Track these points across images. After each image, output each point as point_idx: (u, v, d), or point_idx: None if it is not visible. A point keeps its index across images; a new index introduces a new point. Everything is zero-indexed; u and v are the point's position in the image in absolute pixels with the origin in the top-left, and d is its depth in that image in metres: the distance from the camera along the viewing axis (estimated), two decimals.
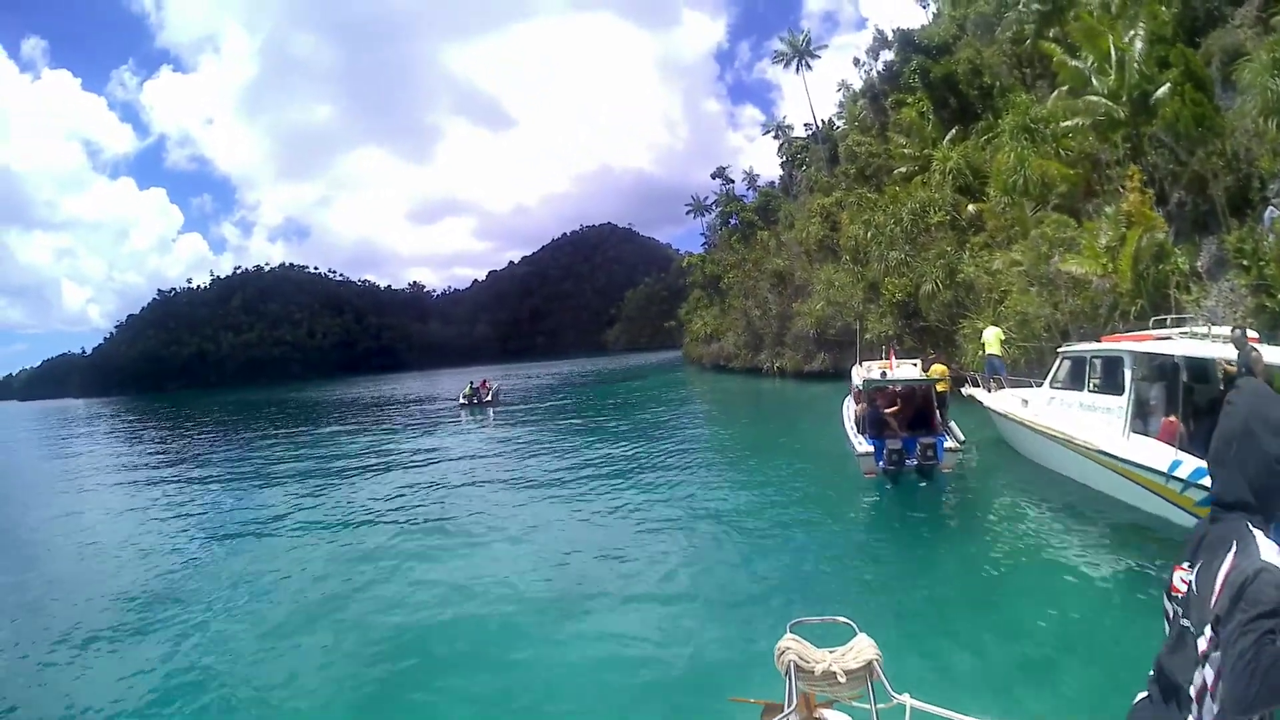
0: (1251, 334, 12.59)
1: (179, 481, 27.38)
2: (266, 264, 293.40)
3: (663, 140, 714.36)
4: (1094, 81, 25.22)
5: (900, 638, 8.86)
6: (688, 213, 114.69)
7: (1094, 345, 15.46)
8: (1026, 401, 17.54)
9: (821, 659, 3.60)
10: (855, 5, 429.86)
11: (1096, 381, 14.80)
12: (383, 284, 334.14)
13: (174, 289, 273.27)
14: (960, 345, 29.68)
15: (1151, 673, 2.57)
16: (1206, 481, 8.59)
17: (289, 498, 22.09)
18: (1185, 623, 2.36)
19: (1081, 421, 14.65)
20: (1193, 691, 2.28)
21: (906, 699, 3.28)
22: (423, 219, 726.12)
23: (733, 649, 9.10)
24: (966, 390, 21.84)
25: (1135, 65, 23.97)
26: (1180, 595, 2.44)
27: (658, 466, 22.10)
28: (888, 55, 58.56)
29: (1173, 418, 12.31)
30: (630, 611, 10.84)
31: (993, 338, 22.86)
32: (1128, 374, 13.42)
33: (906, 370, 19.45)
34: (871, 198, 45.37)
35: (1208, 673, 2.22)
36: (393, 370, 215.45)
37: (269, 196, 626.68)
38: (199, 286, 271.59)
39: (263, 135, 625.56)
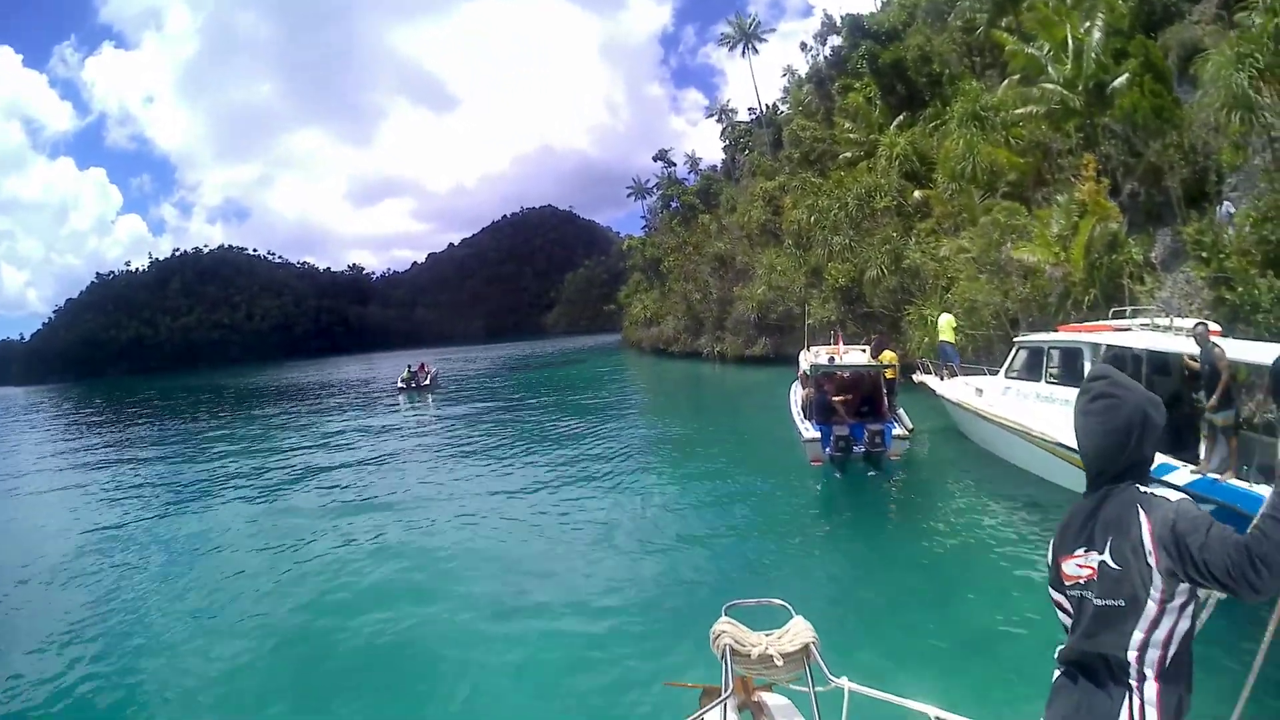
0: (1213, 327, 12.30)
1: (103, 475, 26.41)
2: (205, 246, 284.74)
3: (605, 123, 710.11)
4: (1050, 70, 24.85)
5: (839, 621, 9.08)
6: (628, 195, 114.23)
7: (1052, 336, 15.26)
8: (981, 391, 17.19)
9: (757, 642, 3.55)
10: None
11: (1054, 372, 14.57)
12: (322, 266, 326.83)
13: (112, 272, 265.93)
14: (906, 332, 29.35)
15: (1062, 662, 2.53)
16: (1171, 477, 9.58)
17: (221, 491, 21.43)
18: (1106, 601, 2.35)
19: (1038, 413, 14.28)
20: (1131, 657, 2.28)
21: (845, 682, 3.26)
22: (363, 200, 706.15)
23: (670, 635, 9.10)
24: (918, 377, 21.56)
25: (1092, 55, 23.62)
26: (1083, 580, 2.44)
27: (597, 453, 21.82)
28: (835, 41, 58.05)
29: None
30: (566, 601, 10.69)
31: (946, 324, 22.52)
32: (1087, 366, 12.93)
33: (855, 356, 19.31)
34: (816, 182, 45.01)
35: (1158, 634, 2.26)
36: (332, 353, 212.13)
37: (209, 177, 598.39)
38: (137, 269, 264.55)
39: (203, 114, 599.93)
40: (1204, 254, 17.64)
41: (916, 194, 34.48)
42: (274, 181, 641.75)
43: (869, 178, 37.07)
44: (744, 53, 76.08)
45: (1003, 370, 16.71)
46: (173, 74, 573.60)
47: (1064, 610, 2.57)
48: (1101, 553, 2.38)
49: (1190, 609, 2.28)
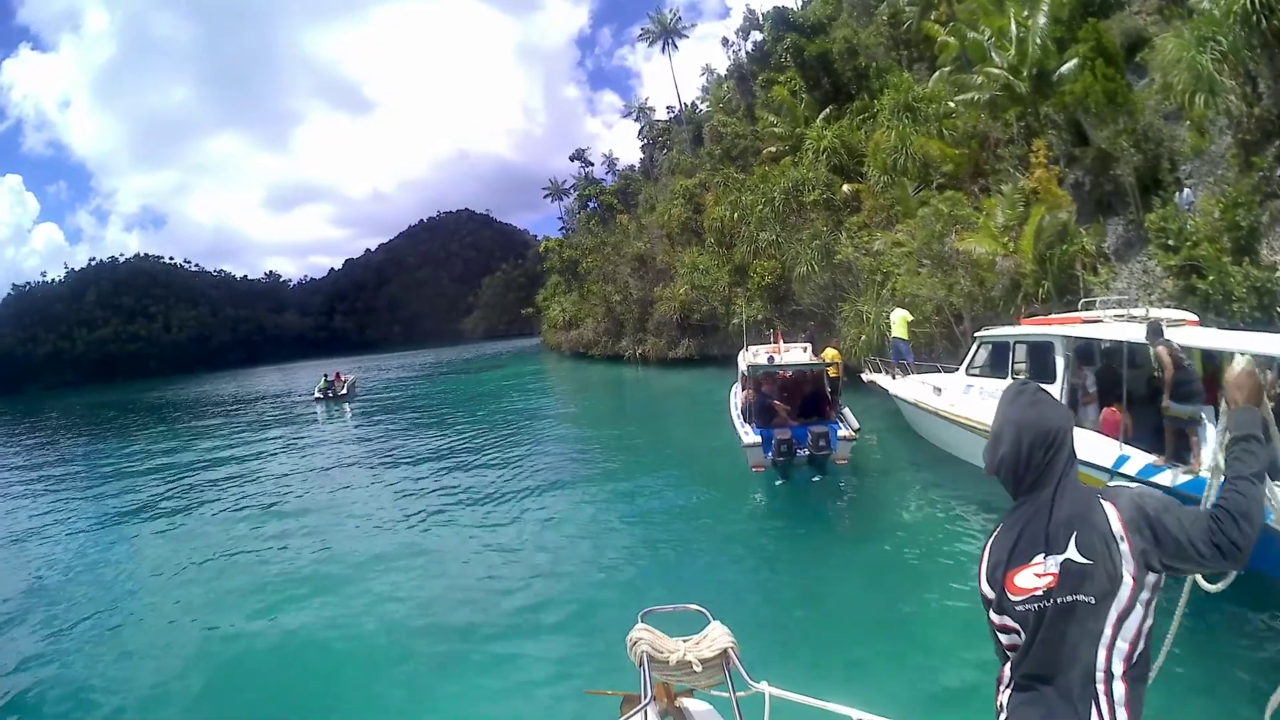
0: (1190, 316, 12.44)
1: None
2: (121, 255, 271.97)
3: (521, 126, 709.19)
4: (994, 55, 23.71)
5: (760, 627, 8.98)
6: (545, 197, 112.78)
7: (1018, 330, 14.30)
8: (940, 389, 16.02)
9: (675, 648, 3.62)
10: None
11: (1021, 368, 13.74)
12: (239, 274, 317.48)
13: (28, 283, 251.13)
14: (839, 329, 28.05)
15: (1018, 680, 2.38)
16: (1159, 479, 9.23)
17: (124, 514, 20.22)
18: (1074, 598, 2.26)
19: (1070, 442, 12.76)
20: (1101, 656, 2.23)
21: (765, 686, 3.35)
22: (280, 206, 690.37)
23: (591, 644, 9.05)
24: (868, 376, 20.60)
25: (1036, 40, 22.68)
26: (1042, 589, 2.31)
27: (517, 464, 20.97)
28: (758, 36, 57.01)
29: (1114, 408, 11.18)
30: (482, 615, 10.49)
31: (900, 320, 21.42)
32: (1059, 360, 12.27)
33: (795, 354, 18.35)
34: (739, 178, 43.79)
35: (1127, 628, 2.22)
36: (250, 364, 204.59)
37: (126, 183, 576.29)
38: (53, 280, 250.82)
39: (120, 119, 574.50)
40: (1170, 242, 16.60)
41: (846, 188, 33.36)
42: (191, 188, 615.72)
43: (796, 172, 35.67)
44: (664, 49, 75.42)
45: (963, 367, 15.59)
46: (90, 77, 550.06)
47: (1008, 632, 2.41)
48: (1063, 552, 2.29)
49: (1154, 604, 2.25)
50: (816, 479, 15.13)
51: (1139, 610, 2.22)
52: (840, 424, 15.54)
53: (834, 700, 3.09)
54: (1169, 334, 10.00)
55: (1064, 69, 21.86)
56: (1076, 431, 10.18)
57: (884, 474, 16.27)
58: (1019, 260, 19.80)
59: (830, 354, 18.22)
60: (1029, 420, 2.42)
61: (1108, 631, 2.22)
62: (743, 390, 17.78)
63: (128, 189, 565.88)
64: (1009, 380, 13.33)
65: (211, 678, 9.59)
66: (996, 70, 23.16)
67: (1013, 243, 20.45)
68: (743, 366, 18.26)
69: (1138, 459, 9.99)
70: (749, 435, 15.36)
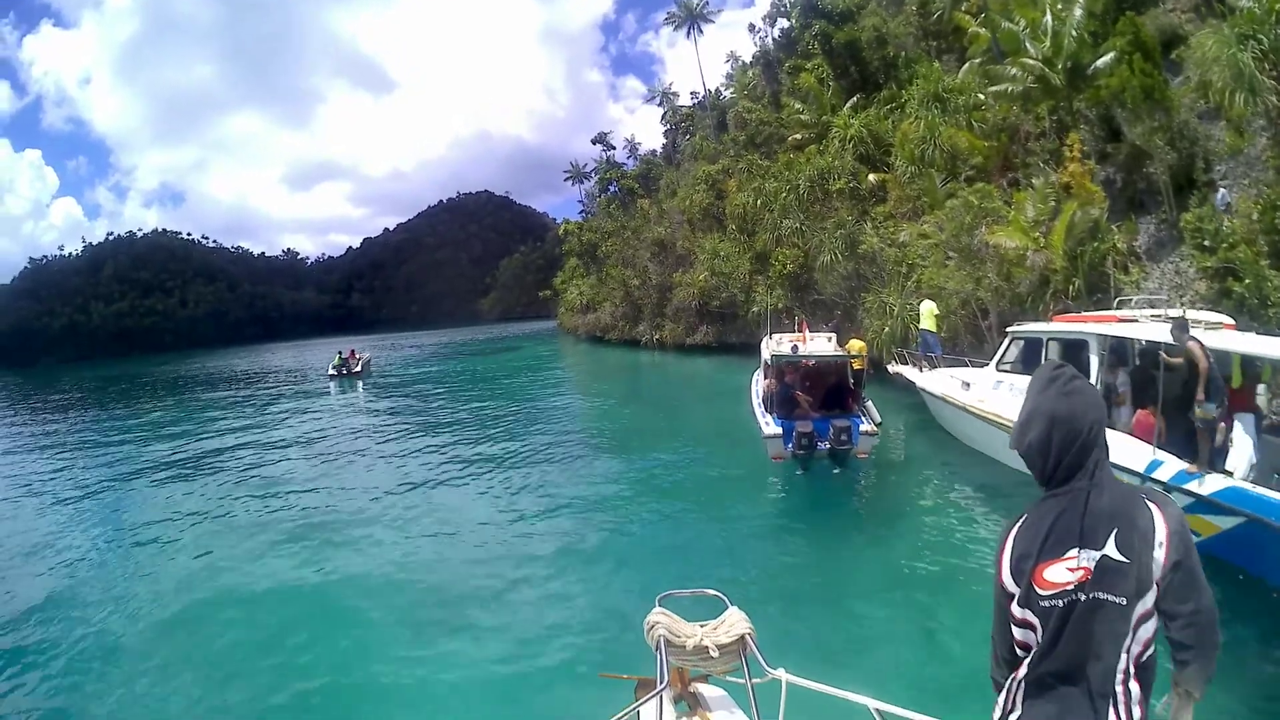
0: (1226, 319, 12.01)
1: (17, 475, 24.00)
2: (139, 230, 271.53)
3: (543, 109, 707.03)
4: (1028, 47, 23.34)
5: (777, 614, 9.03)
6: (566, 179, 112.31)
7: (1051, 326, 14.03)
8: (969, 384, 15.83)
9: (692, 633, 3.59)
10: None
11: None
12: (257, 251, 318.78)
13: (45, 257, 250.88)
14: (861, 320, 27.89)
15: (1035, 678, 2.35)
16: (1192, 486, 9.05)
17: (135, 487, 20.37)
18: (1106, 597, 2.24)
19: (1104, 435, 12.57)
20: (1123, 657, 2.24)
21: (782, 673, 3.31)
22: (299, 184, 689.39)
23: (607, 627, 9.12)
24: (894, 368, 20.61)
25: (1072, 33, 22.28)
26: (1073, 584, 2.28)
27: (532, 446, 21.02)
28: (785, 24, 56.40)
29: (1149, 411, 10.92)
30: (499, 596, 10.53)
31: (928, 312, 21.09)
32: (1094, 360, 12.07)
33: (820, 344, 18.11)
34: (763, 164, 43.25)
35: (1145, 630, 2.24)
36: (266, 340, 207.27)
37: (145, 160, 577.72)
38: (70, 254, 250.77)
39: (141, 95, 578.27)
40: (1206, 243, 16.31)
41: (871, 177, 32.99)
42: (210, 165, 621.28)
43: (822, 160, 35.36)
44: (689, 33, 74.50)
45: (993, 362, 15.45)
46: (111, 54, 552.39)
47: (1026, 627, 2.38)
48: (1101, 548, 2.26)
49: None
50: (837, 472, 15.09)
51: (1156, 617, 2.25)
52: (863, 418, 15.34)
53: (851, 689, 3.07)
54: (1195, 333, 9.76)
55: (1099, 63, 21.47)
56: (1110, 435, 10.21)
57: (907, 469, 16.12)
58: (1050, 256, 19.52)
59: (855, 345, 17.85)
60: (1061, 414, 2.38)
61: (1130, 633, 2.23)
62: (764, 379, 17.51)
63: (147, 165, 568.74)
64: None
65: (226, 641, 9.75)
66: (1032, 61, 22.76)
67: (1043, 238, 20.11)
68: (765, 355, 17.97)
69: (1171, 464, 9.74)
70: (770, 426, 15.21)
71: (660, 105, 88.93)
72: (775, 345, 18.21)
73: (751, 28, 69.11)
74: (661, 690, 3.26)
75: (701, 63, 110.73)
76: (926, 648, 8.22)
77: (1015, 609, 2.40)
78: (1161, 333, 10.47)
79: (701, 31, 74.78)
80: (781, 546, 12.07)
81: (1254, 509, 8.46)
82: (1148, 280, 18.76)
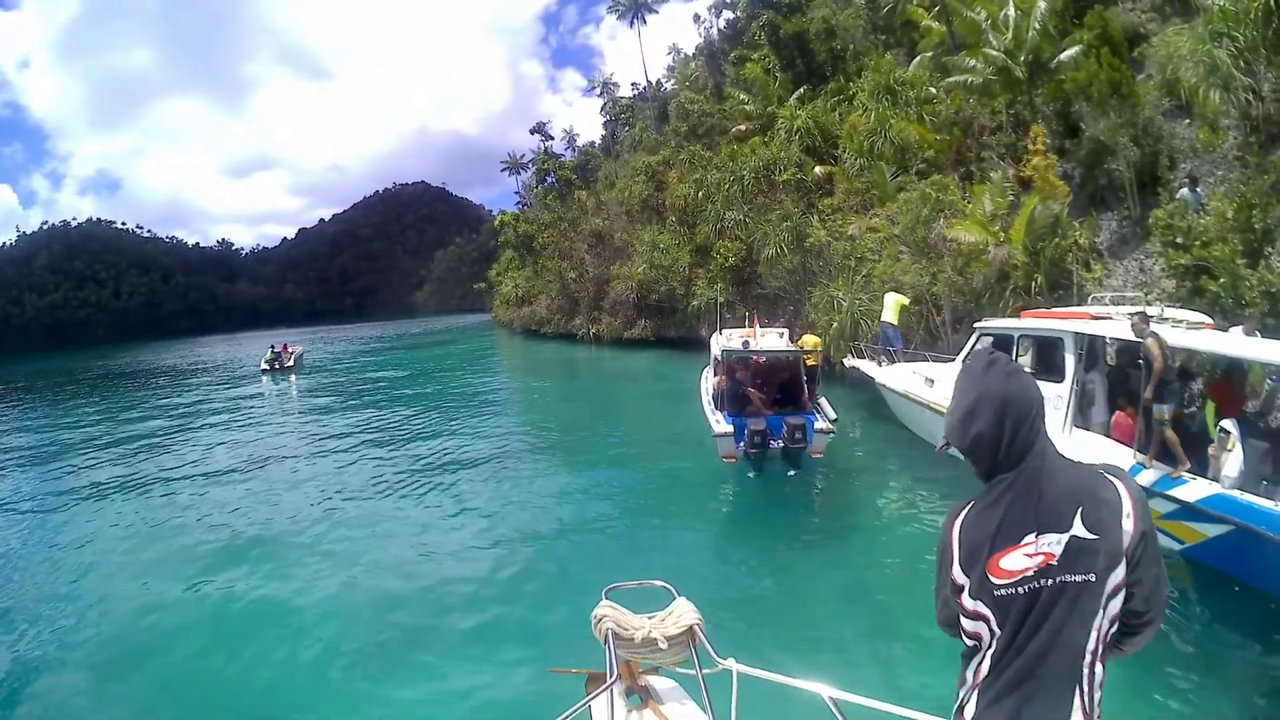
0: (1206, 319, 11.73)
1: None
2: (74, 219, 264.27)
3: (482, 101, 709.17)
4: (990, 38, 22.62)
5: (727, 606, 9.00)
6: (503, 170, 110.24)
7: (1022, 323, 13.36)
8: (933, 381, 15.03)
9: (640, 625, 3.58)
10: None
11: (1025, 365, 12.82)
12: (192, 241, 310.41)
13: None
14: (807, 314, 27.10)
15: (999, 670, 2.23)
16: (1178, 492, 8.86)
17: (51, 494, 19.30)
18: (1075, 578, 2.15)
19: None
20: (1092, 638, 2.16)
21: (732, 663, 3.25)
22: (236, 174, 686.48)
23: (554, 622, 9.02)
24: (850, 362, 19.83)
25: (1036, 26, 21.65)
26: (1034, 569, 2.18)
27: (469, 446, 20.20)
28: (730, 15, 55.75)
29: (1128, 412, 10.71)
30: (441, 596, 10.31)
31: (894, 304, 20.19)
32: (1069, 358, 11.53)
33: (772, 339, 17.49)
34: (705, 155, 42.44)
35: (1113, 607, 2.18)
36: (200, 333, 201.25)
37: (82, 147, 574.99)
38: (4, 244, 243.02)
39: (79, 80, 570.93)
40: (1178, 240, 15.63)
41: (818, 170, 32.29)
42: (147, 153, 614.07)
43: (767, 150, 34.58)
44: (632, 23, 73.18)
45: (959, 358, 14.61)
46: (51, 36, 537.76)
47: (978, 619, 2.27)
48: (1067, 529, 2.18)
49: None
50: (791, 473, 14.46)
51: (1124, 590, 2.18)
52: (817, 415, 14.79)
53: (803, 678, 3.01)
54: (1156, 329, 9.69)
55: (1064, 56, 20.95)
56: (1085, 436, 10.81)
57: (864, 467, 15.59)
58: (1010, 251, 18.79)
59: (809, 340, 17.30)
60: (1013, 393, 2.29)
61: (1100, 613, 2.16)
62: (714, 375, 16.77)
63: (84, 152, 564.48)
64: None
65: (149, 660, 9.22)
66: (994, 52, 22.05)
67: (1003, 233, 19.48)
68: (715, 350, 17.25)
69: (1153, 469, 9.37)
70: (720, 424, 14.52)
71: (600, 96, 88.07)
72: (726, 340, 17.49)
73: (696, 18, 69.02)
74: (612, 684, 3.28)
75: (644, 53, 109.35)
76: (882, 639, 8.10)
77: (966, 601, 2.30)
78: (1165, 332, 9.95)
79: (645, 21, 73.57)
80: (732, 542, 11.98)
81: (1241, 517, 8.24)
82: (1110, 277, 18.26)
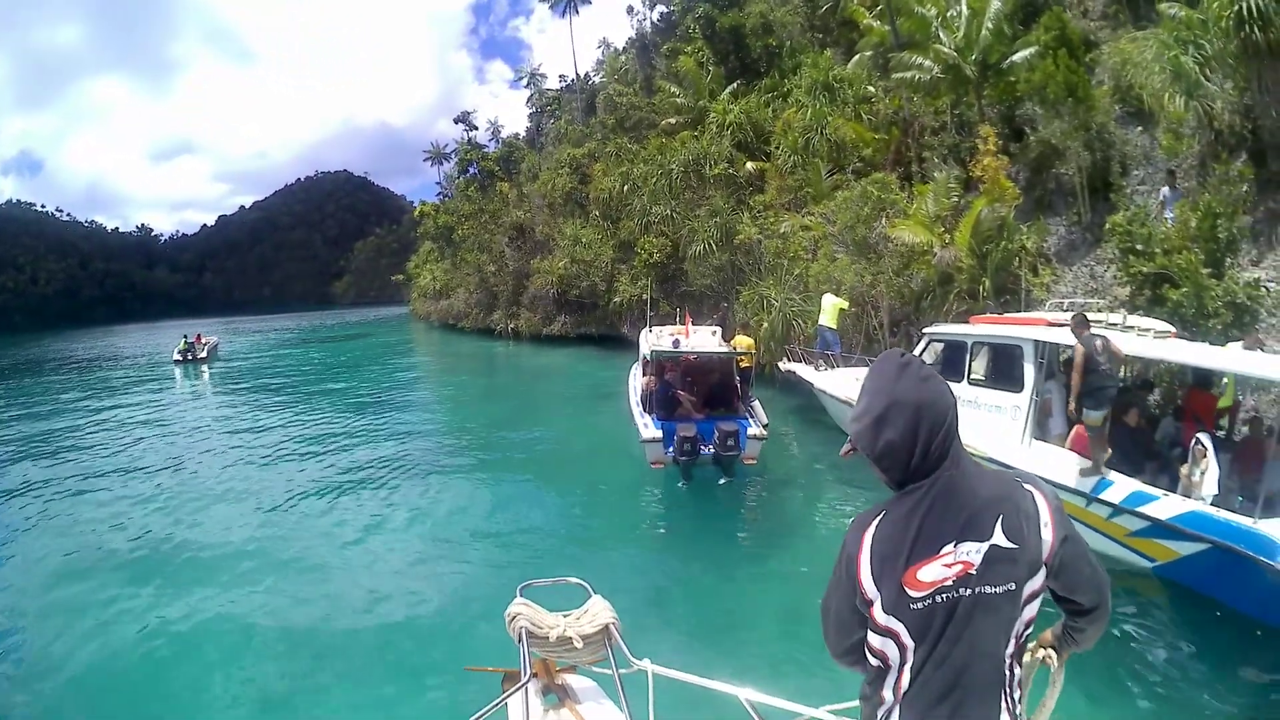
0: (1169, 328, 11.37)
1: None
2: None
3: (409, 90, 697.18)
4: (940, 35, 21.68)
5: (645, 606, 9.00)
6: (425, 160, 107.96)
7: (977, 329, 12.59)
8: None
9: (555, 624, 3.57)
10: None
11: (981, 373, 12.28)
12: (111, 226, 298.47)
13: None
14: (734, 313, 26.00)
15: (918, 682, 2.17)
16: (1148, 509, 8.71)
17: None
18: (995, 589, 2.11)
19: (960, 421, 10.69)
20: (1011, 646, 2.17)
21: (647, 664, 3.32)
22: (159, 158, 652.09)
23: (469, 620, 8.92)
24: (785, 365, 18.91)
25: (989, 25, 20.80)
26: (952, 579, 2.11)
27: (382, 446, 19.46)
28: (663, 8, 54.76)
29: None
30: (350, 598, 10.06)
31: (832, 307, 19.22)
32: (1029, 368, 10.84)
33: (704, 338, 16.89)
34: (632, 149, 41.32)
35: (1029, 612, 2.16)
36: (118, 321, 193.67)
37: (5, 125, 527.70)
38: None
39: (3, 56, 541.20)
40: (1138, 246, 14.73)
41: (750, 166, 31.29)
42: (70, 133, 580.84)
43: (698, 144, 33.50)
44: (565, 12, 71.37)
45: None
46: None
47: (888, 635, 2.18)
48: (987, 538, 2.13)
49: None
50: (723, 482, 13.79)
51: (1040, 598, 2.19)
52: (750, 420, 14.24)
53: (722, 681, 3.10)
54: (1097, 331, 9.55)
55: (1017, 57, 20.16)
56: (1044, 448, 10.44)
57: (798, 475, 15.06)
58: (956, 253, 17.81)
59: (743, 341, 16.33)
60: (928, 400, 2.17)
61: (1018, 621, 2.16)
62: (643, 375, 15.93)
63: (7, 131, 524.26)
64: (964, 384, 11.93)
65: (37, 680, 8.67)
66: (946, 50, 21.07)
67: (948, 234, 18.59)
68: (644, 349, 16.35)
69: (1122, 484, 8.95)
70: (648, 428, 13.91)
71: (528, 87, 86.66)
72: (655, 339, 16.60)
73: (630, 10, 67.02)
74: (526, 682, 3.31)
75: (575, 44, 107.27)
76: (804, 644, 7.67)
77: (878, 615, 2.19)
78: (1111, 340, 9.56)
79: (577, 11, 71.77)
80: (655, 546, 11.78)
81: (1218, 535, 7.91)
82: (1059, 283, 17.65)
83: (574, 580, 3.98)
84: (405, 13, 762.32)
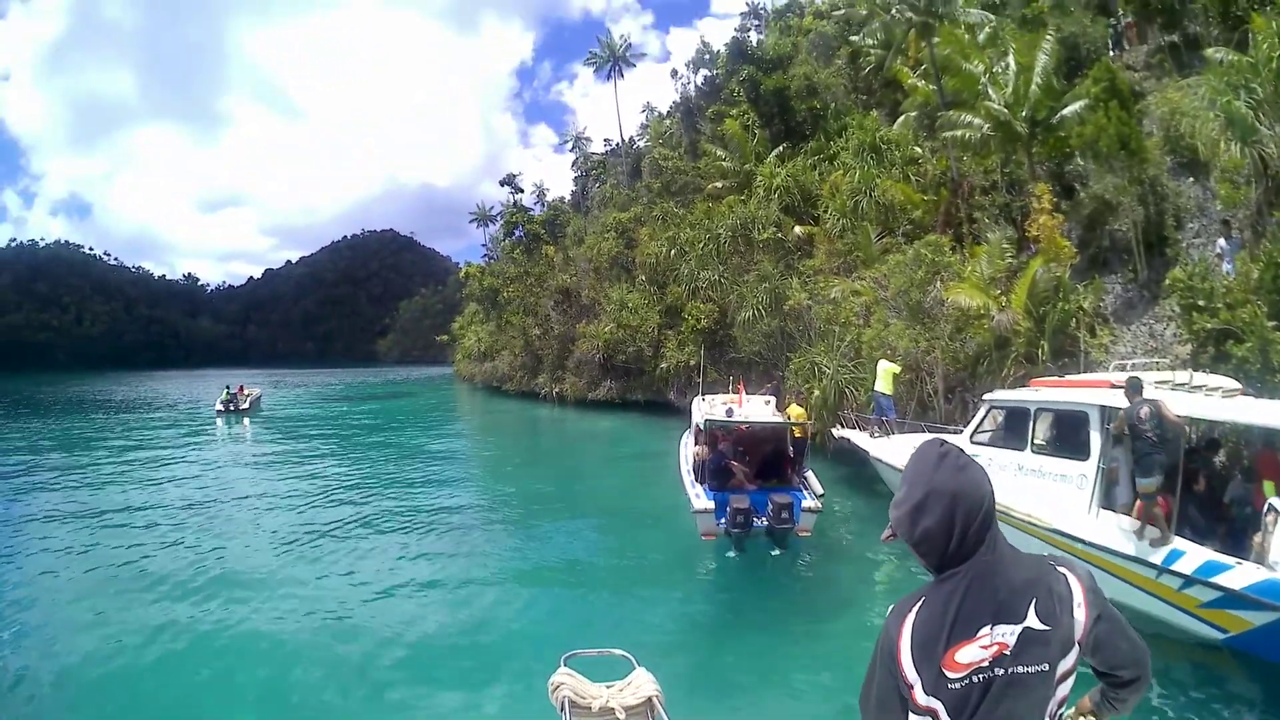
0: (1238, 384, 10.79)
1: None
2: (42, 239, 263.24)
3: (453, 152, 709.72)
4: (989, 93, 21.57)
5: (689, 677, 8.77)
6: (471, 222, 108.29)
7: (1041, 394, 11.99)
8: None
9: (599, 694, 3.59)
10: (661, 40, 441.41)
11: (1044, 440, 11.69)
12: (158, 273, 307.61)
13: None
14: (786, 380, 25.36)
15: None
16: (1221, 580, 8.43)
17: None
18: (1028, 669, 2.15)
19: (1023, 490, 11.23)
20: None
21: None
22: (206, 208, 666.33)
23: (511, 688, 8.79)
24: (839, 431, 18.70)
25: (1037, 81, 20.68)
26: (988, 660, 2.15)
27: (425, 507, 18.97)
28: (707, 73, 55.18)
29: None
30: (393, 660, 9.82)
31: (886, 373, 18.84)
32: (1094, 435, 10.30)
33: (758, 408, 16.32)
34: (678, 213, 41.49)
35: (1062, 690, 2.20)
36: (160, 366, 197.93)
37: (57, 166, 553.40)
38: None
39: (58, 98, 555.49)
40: (1200, 303, 14.32)
41: (798, 230, 31.12)
42: (120, 178, 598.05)
43: (745, 208, 33.40)
44: (610, 76, 72.43)
45: (967, 433, 13.12)
46: (34, 51, 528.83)
47: (929, 715, 2.21)
48: (1021, 620, 2.18)
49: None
50: (775, 553, 13.46)
51: (1074, 675, 2.22)
52: (805, 491, 13.94)
53: None
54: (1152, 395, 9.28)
55: (1067, 111, 19.92)
56: (1112, 518, 9.97)
57: (852, 548, 14.73)
58: (1013, 316, 17.44)
59: (796, 411, 16.03)
60: (964, 489, 2.22)
61: (1052, 701, 2.19)
62: (695, 444, 15.55)
63: (58, 172, 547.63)
64: (1028, 453, 11.55)
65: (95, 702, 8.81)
66: (996, 106, 20.92)
67: (1003, 296, 18.26)
68: (697, 418, 15.97)
69: (1194, 554, 8.62)
70: (700, 499, 13.54)
71: (573, 150, 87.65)
72: (708, 408, 16.28)
73: (674, 73, 67.84)
74: None
75: (620, 107, 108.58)
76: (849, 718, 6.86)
77: (919, 697, 2.23)
78: (1181, 404, 9.34)
79: (623, 75, 72.82)
80: (702, 618, 11.40)
81: None
82: (1117, 344, 17.21)
83: (618, 652, 4.10)
84: (450, 76, 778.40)
